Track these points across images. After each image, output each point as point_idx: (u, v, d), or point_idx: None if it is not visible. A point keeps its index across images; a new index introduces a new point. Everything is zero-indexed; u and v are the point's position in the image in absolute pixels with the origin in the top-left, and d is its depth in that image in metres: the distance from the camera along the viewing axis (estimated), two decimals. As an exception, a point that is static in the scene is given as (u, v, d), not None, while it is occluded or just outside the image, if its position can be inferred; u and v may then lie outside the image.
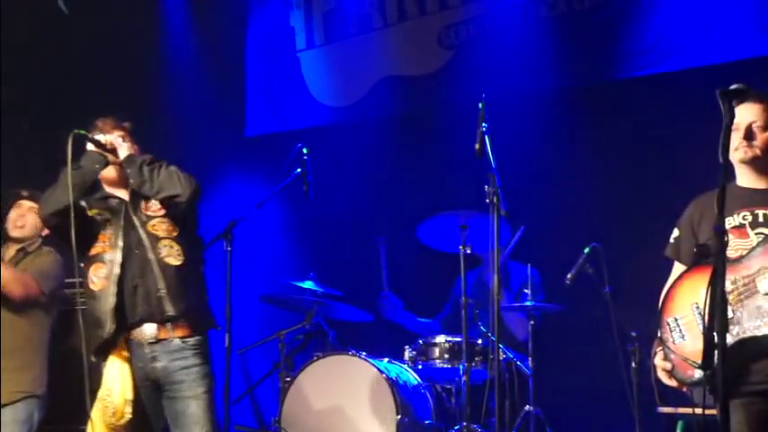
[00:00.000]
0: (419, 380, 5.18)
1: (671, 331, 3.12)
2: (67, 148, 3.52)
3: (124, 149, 3.74)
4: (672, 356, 3.08)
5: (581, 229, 5.54)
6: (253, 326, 6.56)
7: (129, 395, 3.54)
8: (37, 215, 5.05)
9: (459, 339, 5.14)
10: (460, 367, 4.99)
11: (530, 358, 5.25)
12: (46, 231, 5.09)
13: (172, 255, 3.61)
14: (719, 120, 2.45)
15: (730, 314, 2.92)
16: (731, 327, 2.91)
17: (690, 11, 5.81)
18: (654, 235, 5.67)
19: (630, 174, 5.89)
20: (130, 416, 3.52)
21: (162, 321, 3.58)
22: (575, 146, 6.02)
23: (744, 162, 3.17)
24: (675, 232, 3.45)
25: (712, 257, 2.33)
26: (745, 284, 2.94)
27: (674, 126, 5.67)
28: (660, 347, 3.17)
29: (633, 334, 4.83)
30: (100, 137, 3.74)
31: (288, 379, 5.29)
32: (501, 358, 4.87)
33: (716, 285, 2.30)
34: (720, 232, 2.35)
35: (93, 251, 3.67)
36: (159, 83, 7.60)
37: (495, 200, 4.33)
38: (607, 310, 4.87)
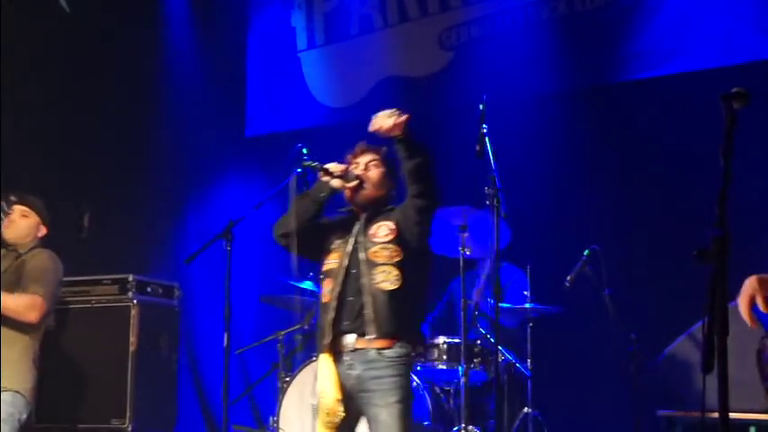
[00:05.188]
0: (417, 381, 5.17)
1: None
2: (292, 181, 3.82)
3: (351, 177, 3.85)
4: None
5: (581, 232, 5.55)
6: (251, 326, 6.56)
7: (339, 395, 3.67)
8: (28, 218, 5.02)
9: (458, 341, 5.14)
10: (459, 369, 4.99)
11: (528, 360, 5.25)
12: (42, 233, 5.06)
13: (388, 280, 3.69)
14: (721, 123, 2.45)
15: None
16: None
17: (691, 14, 5.82)
18: (653, 237, 5.70)
19: (630, 176, 5.89)
20: (343, 414, 3.65)
21: (362, 335, 3.71)
22: (575, 148, 6.03)
23: None
24: None
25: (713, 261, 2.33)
26: None
27: (675, 129, 5.68)
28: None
29: (632, 336, 4.83)
30: (330, 164, 3.87)
31: (287, 379, 5.29)
32: (500, 360, 4.87)
33: (716, 288, 2.30)
34: (719, 236, 2.35)
35: (326, 267, 3.86)
36: (160, 83, 7.60)
37: (495, 201, 4.34)
38: (606, 313, 4.87)
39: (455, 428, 4.97)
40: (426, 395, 5.15)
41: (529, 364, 5.24)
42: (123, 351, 5.80)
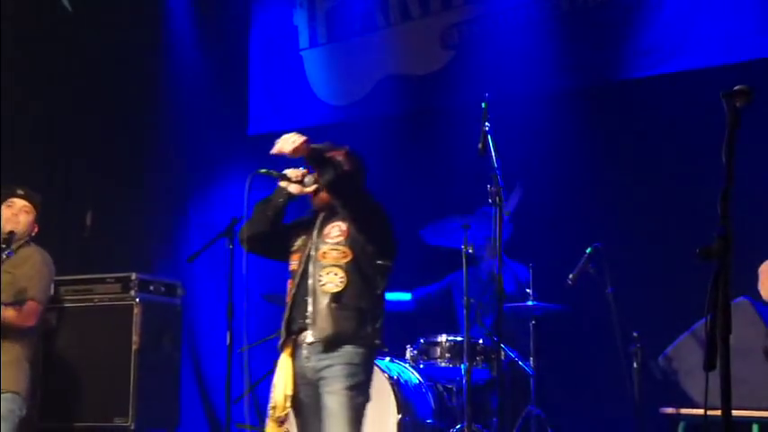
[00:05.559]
0: (420, 379, 5.18)
1: None
2: (247, 185, 3.83)
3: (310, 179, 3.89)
4: None
5: (583, 229, 5.55)
6: (254, 324, 6.56)
7: (289, 391, 3.73)
8: (29, 215, 5.03)
9: (460, 339, 5.14)
10: (462, 367, 4.99)
11: (531, 358, 5.25)
12: (35, 231, 5.08)
13: (333, 281, 3.74)
14: (723, 121, 2.45)
15: None
16: None
17: (693, 12, 5.81)
18: (656, 235, 5.70)
19: (633, 174, 5.89)
20: (288, 409, 3.73)
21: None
22: (577, 146, 6.02)
23: None
24: None
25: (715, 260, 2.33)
26: None
27: (677, 127, 5.68)
28: None
29: (635, 334, 4.82)
30: (288, 170, 3.93)
31: (289, 378, 5.29)
32: (503, 358, 4.88)
33: (718, 286, 2.30)
34: (722, 234, 2.35)
35: (290, 267, 3.93)
36: (162, 81, 7.61)
37: (497, 200, 4.34)
38: (609, 311, 4.87)
39: (458, 426, 4.98)
40: (429, 393, 5.16)
41: (531, 362, 5.24)
42: (126, 350, 5.81)
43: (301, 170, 3.92)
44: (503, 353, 4.89)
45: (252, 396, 6.61)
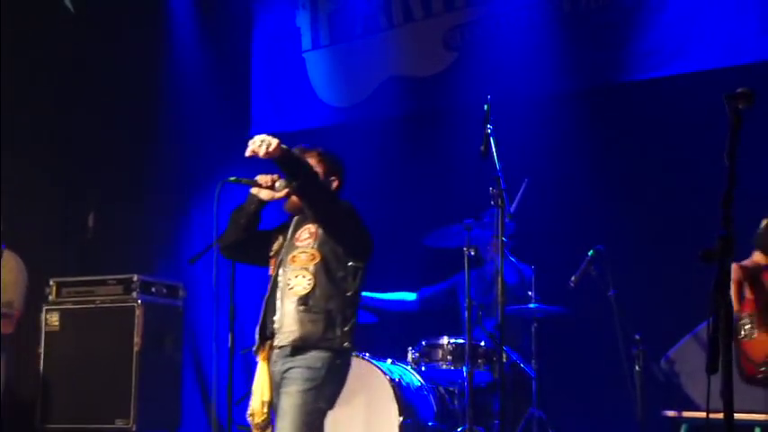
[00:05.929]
0: (422, 381, 5.18)
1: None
2: (215, 194, 3.86)
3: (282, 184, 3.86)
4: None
5: (585, 232, 5.54)
6: (256, 326, 6.56)
7: (266, 397, 3.75)
8: None
9: (462, 341, 5.13)
10: (464, 369, 4.98)
11: (533, 361, 5.24)
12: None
13: (300, 284, 3.74)
14: (725, 123, 2.45)
15: None
16: None
17: (695, 14, 5.81)
18: (658, 238, 5.69)
19: (635, 176, 5.89)
20: (265, 415, 3.73)
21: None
22: (579, 148, 6.02)
23: None
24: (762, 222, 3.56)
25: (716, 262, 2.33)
26: None
27: (680, 129, 5.67)
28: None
29: (637, 337, 4.82)
30: (259, 176, 3.91)
31: (290, 379, 5.28)
32: (504, 360, 4.87)
33: (720, 289, 2.30)
34: (724, 235, 2.34)
35: (269, 272, 3.94)
36: (165, 83, 7.61)
37: (499, 201, 4.34)
38: (611, 313, 4.86)
39: (459, 429, 4.97)
40: (431, 395, 5.16)
41: (533, 364, 5.23)
42: (127, 351, 5.81)
43: (271, 176, 3.90)
44: (504, 355, 4.88)
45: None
